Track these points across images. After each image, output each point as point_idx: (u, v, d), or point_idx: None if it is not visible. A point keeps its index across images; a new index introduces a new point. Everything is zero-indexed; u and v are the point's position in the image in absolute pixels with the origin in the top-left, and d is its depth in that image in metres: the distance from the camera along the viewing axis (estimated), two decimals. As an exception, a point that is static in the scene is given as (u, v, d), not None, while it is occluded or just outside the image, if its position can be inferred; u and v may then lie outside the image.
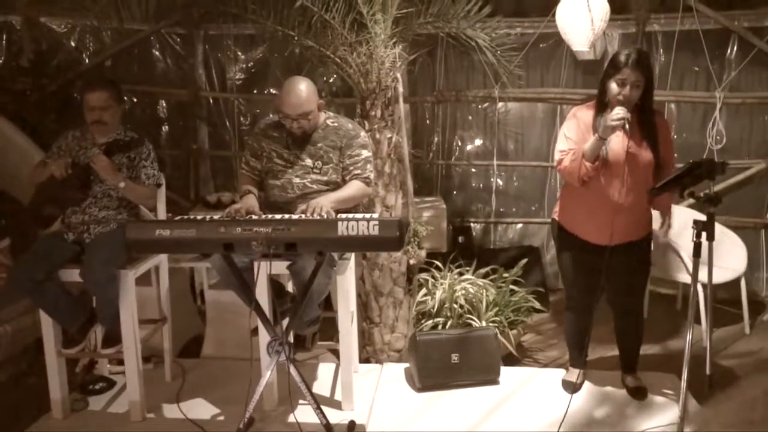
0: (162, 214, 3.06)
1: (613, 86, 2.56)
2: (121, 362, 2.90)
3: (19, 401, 3.00)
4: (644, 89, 2.57)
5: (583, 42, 3.57)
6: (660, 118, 2.72)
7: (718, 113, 4.27)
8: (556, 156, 2.70)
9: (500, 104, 4.58)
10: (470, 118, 4.71)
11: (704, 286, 3.18)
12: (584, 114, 2.70)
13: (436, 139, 4.71)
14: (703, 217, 2.28)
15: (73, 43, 4.67)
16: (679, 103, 4.40)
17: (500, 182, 4.75)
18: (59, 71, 4.48)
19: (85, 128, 2.86)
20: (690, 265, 3.49)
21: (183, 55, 4.71)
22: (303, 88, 2.68)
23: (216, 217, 2.43)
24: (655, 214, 2.80)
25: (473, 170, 4.78)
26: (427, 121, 4.72)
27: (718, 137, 4.28)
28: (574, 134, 2.67)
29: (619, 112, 2.47)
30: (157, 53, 4.74)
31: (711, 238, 2.20)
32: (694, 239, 2.23)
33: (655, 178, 2.60)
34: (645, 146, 2.63)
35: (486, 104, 4.63)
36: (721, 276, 3.55)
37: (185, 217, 2.55)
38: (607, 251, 2.58)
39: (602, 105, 2.64)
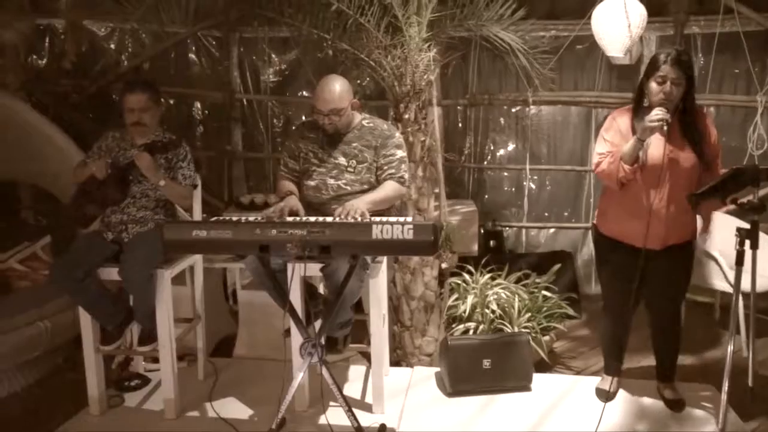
0: (198, 214, 3.10)
1: (653, 85, 2.52)
2: (155, 360, 2.95)
3: (58, 396, 3.08)
4: (685, 90, 2.52)
5: (618, 48, 3.51)
6: (706, 120, 2.65)
7: (759, 117, 4.17)
8: (594, 159, 2.67)
9: (533, 108, 4.54)
10: (503, 121, 4.68)
11: (745, 295, 3.10)
12: (624, 118, 2.67)
13: (468, 142, 4.70)
14: (745, 225, 2.22)
15: (112, 46, 4.78)
16: (718, 107, 4.30)
17: (533, 186, 4.72)
18: (100, 73, 4.58)
19: (125, 129, 2.92)
20: (729, 273, 3.42)
21: (218, 57, 4.78)
22: (337, 85, 2.71)
23: (251, 218, 2.45)
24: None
25: (505, 174, 4.75)
26: (460, 125, 4.71)
27: (759, 142, 4.18)
28: (613, 137, 2.64)
29: (658, 113, 2.43)
30: (193, 56, 4.82)
31: (755, 246, 2.14)
32: (737, 247, 2.18)
33: (700, 181, 2.54)
34: (687, 149, 2.57)
35: (519, 108, 4.60)
36: (761, 284, 3.45)
37: (221, 218, 2.58)
38: (643, 254, 2.53)
39: (640, 107, 2.59)
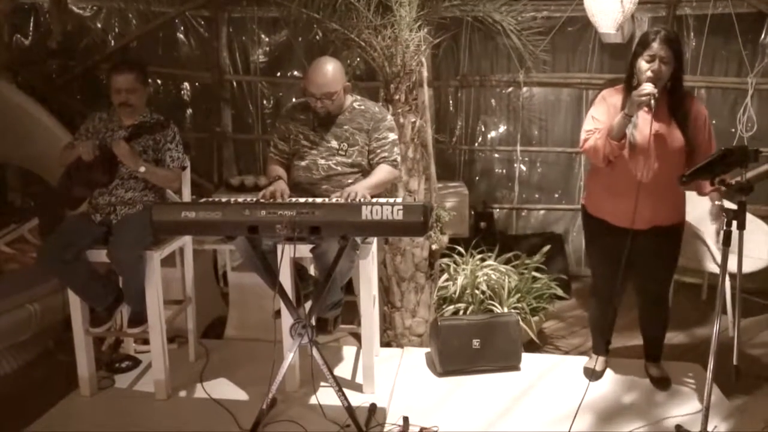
0: (187, 196, 3.08)
1: (642, 63, 2.52)
2: (146, 342, 2.95)
3: (48, 378, 3.07)
4: (674, 70, 2.53)
5: (610, 24, 3.49)
6: (693, 102, 2.66)
7: (749, 99, 4.18)
8: (582, 136, 2.67)
9: (525, 89, 4.53)
10: (494, 103, 4.67)
11: (732, 275, 3.13)
12: (613, 97, 2.67)
13: (459, 124, 4.69)
14: (732, 205, 2.22)
15: (99, 26, 4.71)
16: (709, 89, 4.30)
17: (523, 168, 4.72)
18: (86, 53, 4.52)
19: (112, 110, 2.89)
20: (717, 254, 3.45)
21: (207, 37, 4.72)
22: (329, 68, 2.68)
23: (240, 199, 2.44)
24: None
25: (496, 156, 4.75)
26: (451, 106, 4.69)
27: (749, 124, 4.19)
28: (601, 115, 2.64)
29: (645, 88, 2.44)
30: (181, 36, 4.76)
31: (742, 227, 2.15)
32: (725, 228, 2.19)
33: (687, 163, 2.55)
34: (675, 129, 2.58)
35: (510, 89, 4.59)
36: (748, 265, 3.49)
37: (210, 199, 2.57)
38: (630, 234, 2.55)
39: (631, 86, 2.59)
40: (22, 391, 3.00)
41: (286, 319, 2.64)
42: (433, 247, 3.38)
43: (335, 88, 2.68)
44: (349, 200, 2.47)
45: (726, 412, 2.67)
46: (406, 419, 2.59)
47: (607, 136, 2.55)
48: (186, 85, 4.87)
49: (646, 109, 2.49)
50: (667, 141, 2.57)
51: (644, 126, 2.55)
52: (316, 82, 2.67)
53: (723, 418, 2.62)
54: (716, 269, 3.56)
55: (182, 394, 2.86)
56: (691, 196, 2.80)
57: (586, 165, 4.59)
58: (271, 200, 2.53)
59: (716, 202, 2.62)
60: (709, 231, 3.49)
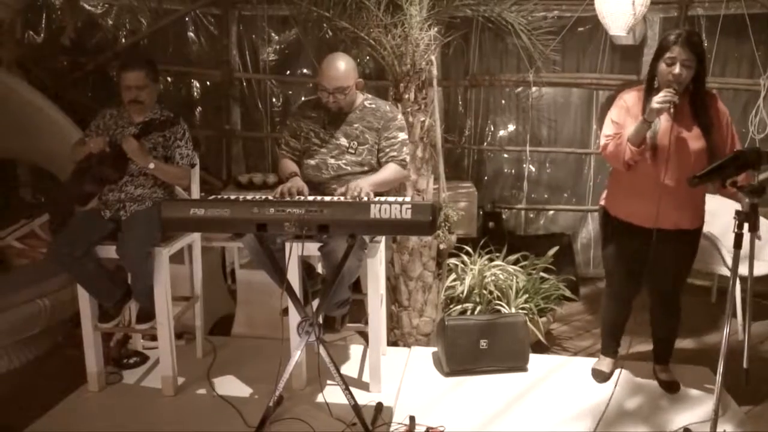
0: (196, 193, 3.09)
1: (663, 66, 2.49)
2: (154, 338, 2.97)
3: (57, 373, 3.09)
4: (696, 72, 2.49)
5: (621, 26, 3.46)
6: (716, 102, 2.61)
7: (761, 101, 4.14)
8: (602, 141, 2.65)
9: (534, 89, 4.51)
10: (503, 103, 4.65)
11: (743, 278, 3.10)
12: (632, 98, 2.63)
13: (468, 123, 4.67)
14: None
15: (110, 22, 4.73)
16: (721, 90, 4.27)
17: (532, 168, 4.70)
18: (97, 50, 4.54)
19: (122, 107, 2.90)
20: (727, 257, 3.43)
21: (217, 35, 4.73)
22: (343, 63, 2.69)
23: (249, 197, 2.44)
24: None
25: (505, 156, 4.74)
26: (460, 106, 4.67)
27: (761, 126, 4.16)
28: (620, 119, 2.61)
29: (666, 95, 2.41)
30: (191, 34, 4.77)
31: (754, 229, 2.13)
32: (736, 230, 2.16)
33: (710, 165, 2.51)
34: (697, 131, 2.55)
35: (520, 89, 4.57)
36: (759, 269, 3.46)
37: (219, 196, 2.57)
38: (652, 235, 2.52)
39: (652, 89, 2.56)
40: (30, 385, 3.02)
41: (294, 317, 2.64)
42: (441, 246, 3.37)
43: (348, 82, 2.69)
44: (353, 195, 2.46)
45: (736, 416, 2.65)
46: (412, 418, 2.59)
47: (626, 141, 2.52)
48: (195, 82, 4.88)
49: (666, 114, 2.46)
50: (689, 143, 2.54)
51: (665, 128, 2.52)
52: (329, 75, 2.68)
53: (732, 422, 2.60)
54: (726, 272, 3.53)
55: (189, 390, 2.87)
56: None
57: (595, 166, 4.58)
58: (288, 198, 2.52)
59: (745, 200, 2.59)
60: (719, 233, 3.47)
